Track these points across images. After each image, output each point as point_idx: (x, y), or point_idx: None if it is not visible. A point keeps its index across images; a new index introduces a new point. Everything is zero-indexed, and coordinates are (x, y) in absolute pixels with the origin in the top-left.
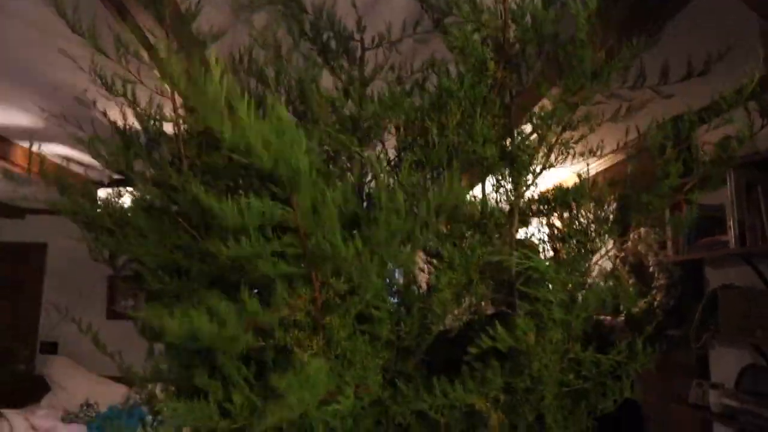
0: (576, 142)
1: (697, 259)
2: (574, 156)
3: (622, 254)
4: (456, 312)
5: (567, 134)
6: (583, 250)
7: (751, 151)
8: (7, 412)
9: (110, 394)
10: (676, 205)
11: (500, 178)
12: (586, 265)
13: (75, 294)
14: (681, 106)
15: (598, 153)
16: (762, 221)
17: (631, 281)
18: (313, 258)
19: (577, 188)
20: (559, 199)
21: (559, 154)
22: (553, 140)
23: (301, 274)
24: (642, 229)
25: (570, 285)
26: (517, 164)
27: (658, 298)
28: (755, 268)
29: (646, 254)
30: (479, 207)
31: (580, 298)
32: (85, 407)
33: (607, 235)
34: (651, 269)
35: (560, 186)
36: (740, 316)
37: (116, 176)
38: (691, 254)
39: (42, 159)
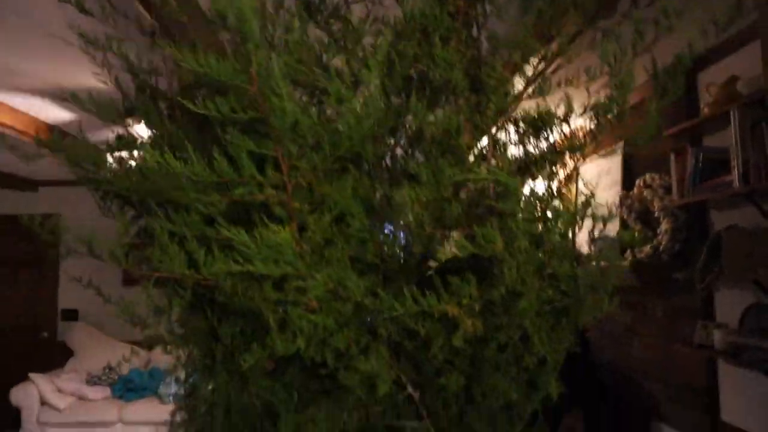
0: (553, 72)
1: (702, 203)
2: (557, 86)
3: (628, 202)
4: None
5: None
6: (552, 168)
7: (756, 89)
8: (34, 376)
9: (131, 358)
10: (680, 149)
11: (470, 103)
12: (556, 181)
13: (91, 262)
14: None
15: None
16: (766, 159)
17: (637, 227)
18: (273, 127)
19: (546, 111)
20: (528, 121)
21: (537, 85)
22: (531, 70)
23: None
24: (647, 175)
25: (538, 201)
26: (486, 89)
27: (663, 243)
28: (759, 208)
29: (651, 200)
30: (445, 127)
31: (550, 213)
32: (107, 370)
33: (577, 153)
34: (656, 214)
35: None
36: (744, 256)
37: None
38: (696, 197)
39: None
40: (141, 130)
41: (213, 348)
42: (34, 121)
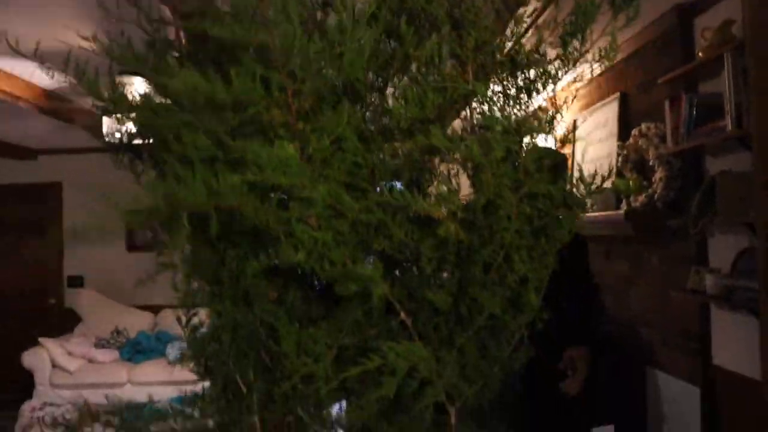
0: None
1: (697, 150)
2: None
3: (624, 152)
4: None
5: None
6: (528, 88)
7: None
8: (44, 340)
9: (137, 322)
10: (675, 97)
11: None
12: (529, 98)
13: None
14: None
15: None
16: None
17: (633, 176)
18: (282, 51)
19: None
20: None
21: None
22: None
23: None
24: (643, 124)
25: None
26: (465, 24)
27: (658, 191)
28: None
29: (647, 149)
30: (429, 53)
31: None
32: (115, 334)
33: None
34: (651, 163)
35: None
36: (737, 200)
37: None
38: (690, 143)
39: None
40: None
41: (220, 275)
42: (29, 85)
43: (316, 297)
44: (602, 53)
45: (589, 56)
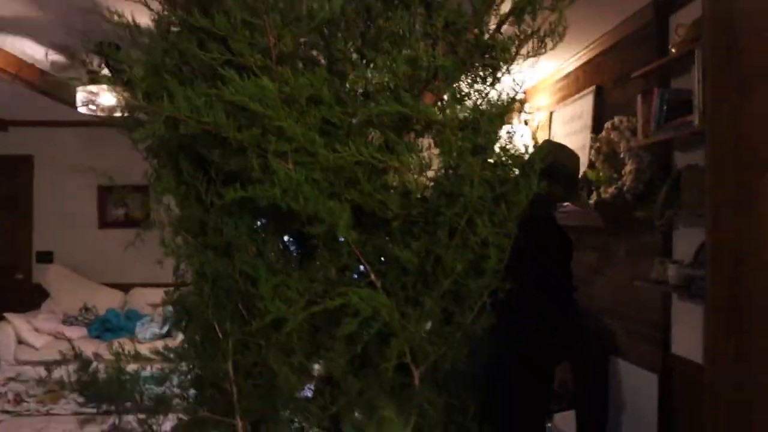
0: None
1: (666, 144)
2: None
3: (597, 144)
4: None
5: None
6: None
7: None
8: (9, 315)
9: (107, 300)
10: (647, 91)
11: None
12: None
13: (65, 205)
14: None
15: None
16: None
17: (604, 168)
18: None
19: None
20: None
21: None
22: None
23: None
24: (616, 118)
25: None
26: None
27: (627, 183)
28: None
29: (618, 142)
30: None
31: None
32: (83, 311)
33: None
34: (622, 155)
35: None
36: (701, 193)
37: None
38: (659, 136)
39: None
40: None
41: (205, 227)
42: (14, 59)
43: (292, 253)
44: (552, 27)
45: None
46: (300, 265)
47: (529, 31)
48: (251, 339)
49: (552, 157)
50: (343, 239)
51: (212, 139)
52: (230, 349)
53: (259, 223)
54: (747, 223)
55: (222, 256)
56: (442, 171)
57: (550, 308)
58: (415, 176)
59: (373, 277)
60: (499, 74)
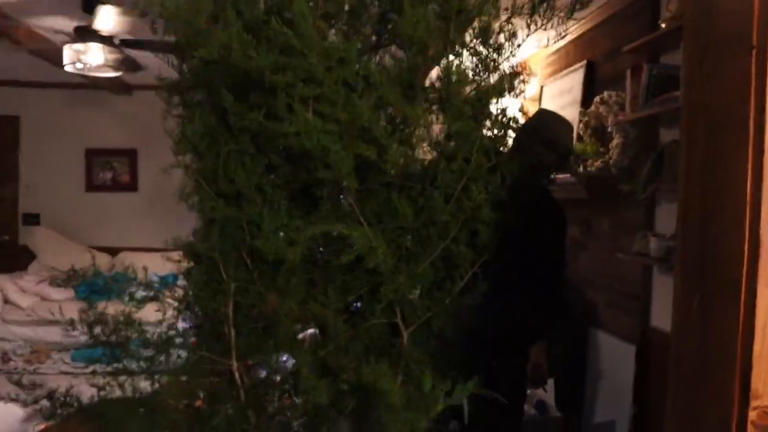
0: None
1: (653, 119)
2: None
3: (586, 119)
4: None
5: None
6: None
7: None
8: None
9: (95, 263)
10: (636, 67)
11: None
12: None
13: (52, 167)
14: None
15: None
16: None
17: (591, 142)
18: None
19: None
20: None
21: None
22: None
23: None
24: (605, 92)
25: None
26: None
27: (613, 157)
28: None
29: (606, 116)
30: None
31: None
32: (71, 273)
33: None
34: (609, 130)
35: None
36: None
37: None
38: (645, 111)
39: None
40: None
41: (217, 174)
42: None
43: (298, 199)
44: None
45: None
46: (303, 217)
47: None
48: (252, 285)
49: (547, 125)
50: (344, 198)
51: (245, 79)
52: (231, 292)
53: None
54: (715, 182)
55: (231, 205)
56: (443, 134)
57: (532, 285)
58: (419, 131)
59: (367, 229)
60: (503, 55)
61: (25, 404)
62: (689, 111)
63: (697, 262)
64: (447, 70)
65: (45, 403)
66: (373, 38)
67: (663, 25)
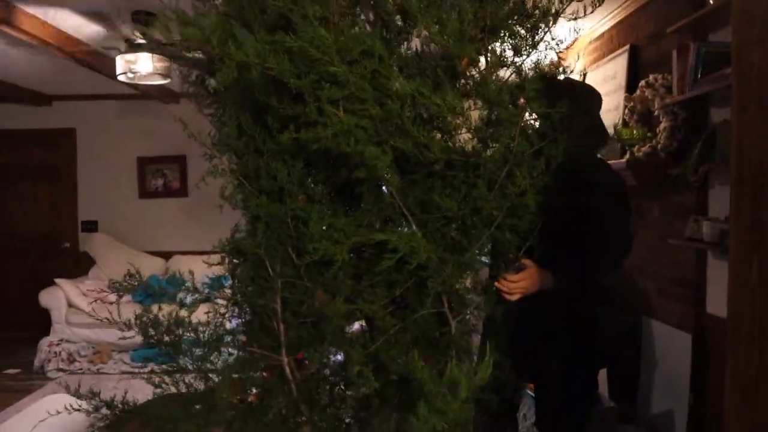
0: None
1: (702, 99)
2: None
3: (631, 104)
4: None
5: None
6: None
7: None
8: (60, 281)
9: (149, 267)
10: (683, 46)
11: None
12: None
13: (107, 175)
14: None
15: None
16: None
17: (638, 127)
18: None
19: None
20: None
21: None
22: None
23: None
24: (651, 76)
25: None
26: None
27: (661, 141)
28: None
29: (652, 100)
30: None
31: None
32: (128, 277)
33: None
34: (656, 113)
35: None
36: None
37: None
38: (695, 91)
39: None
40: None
41: (259, 172)
42: (50, 28)
43: (340, 201)
44: None
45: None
46: (347, 213)
47: None
48: (299, 281)
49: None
50: (386, 190)
51: (272, 86)
52: (279, 287)
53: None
54: None
55: (275, 202)
56: (484, 121)
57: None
58: (457, 121)
59: (413, 225)
60: (537, 36)
61: (87, 413)
62: (740, 78)
63: (752, 227)
64: (485, 56)
65: (105, 411)
66: (400, 24)
67: (711, 1)
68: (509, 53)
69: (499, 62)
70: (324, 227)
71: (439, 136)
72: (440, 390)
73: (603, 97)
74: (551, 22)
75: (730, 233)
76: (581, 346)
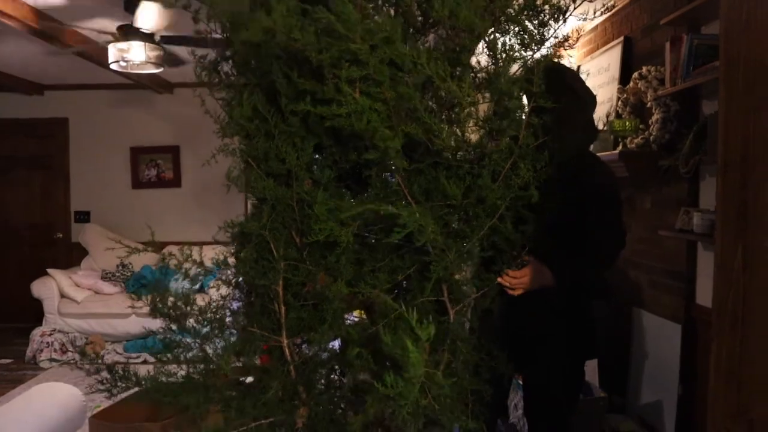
0: None
1: (694, 92)
2: None
3: (624, 96)
4: None
5: None
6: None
7: None
8: (52, 271)
9: (141, 257)
10: (676, 38)
11: None
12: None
13: (100, 166)
14: None
15: None
16: None
17: (630, 118)
18: None
19: None
20: None
21: None
22: None
23: None
24: (644, 68)
25: None
26: None
27: (654, 133)
28: None
29: (645, 92)
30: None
31: None
32: (120, 268)
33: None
34: (648, 105)
35: None
36: None
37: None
38: (687, 83)
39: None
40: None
41: (268, 155)
42: (18, 4)
43: (347, 179)
44: None
45: None
46: (353, 198)
47: None
48: (301, 264)
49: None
50: (392, 178)
51: (292, 62)
52: (281, 269)
53: (317, 156)
54: (754, 130)
55: (281, 185)
56: (490, 113)
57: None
58: (467, 110)
59: (416, 208)
60: (547, 31)
61: (88, 373)
62: (727, 62)
63: (738, 212)
64: (494, 48)
65: (105, 375)
66: (420, 19)
67: None
68: (517, 46)
69: (510, 57)
70: (330, 209)
71: (447, 127)
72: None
73: (597, 89)
74: (561, 20)
75: (716, 220)
76: (569, 337)
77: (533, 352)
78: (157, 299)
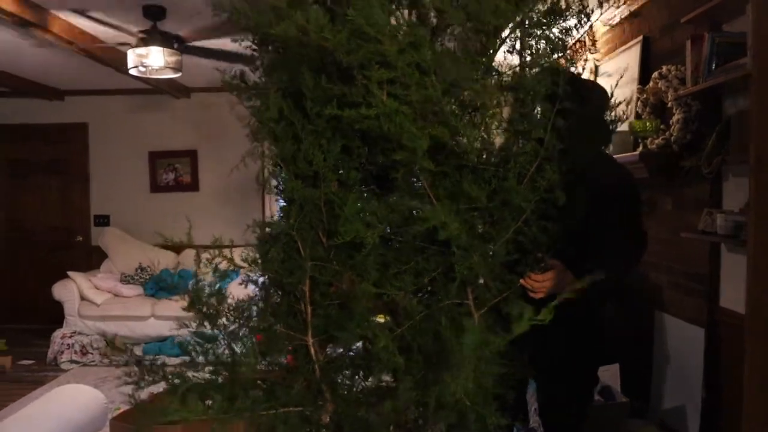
0: None
1: (716, 91)
2: None
3: (644, 96)
4: None
5: None
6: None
7: None
8: (72, 274)
9: (160, 260)
10: (697, 36)
11: None
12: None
13: (119, 170)
14: None
15: None
16: None
17: (651, 119)
18: None
19: None
20: None
21: None
22: None
23: None
24: (664, 67)
25: None
26: None
27: (674, 134)
28: None
29: (666, 91)
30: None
31: None
32: (139, 270)
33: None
34: (669, 105)
35: None
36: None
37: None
38: (709, 82)
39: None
40: None
41: (296, 151)
42: (68, 25)
43: (374, 181)
44: None
45: None
46: (379, 200)
47: None
48: (328, 264)
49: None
50: (417, 182)
51: (321, 65)
52: (308, 268)
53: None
54: None
55: (309, 186)
56: (516, 115)
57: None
58: (491, 113)
59: (442, 211)
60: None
61: (117, 365)
62: (761, 59)
63: None
64: (520, 51)
65: (134, 368)
66: (434, 21)
67: None
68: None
69: (537, 57)
70: (356, 211)
71: (472, 130)
72: (465, 349)
73: (615, 89)
74: (585, 24)
75: (748, 222)
76: (582, 343)
77: (544, 356)
78: (194, 296)
